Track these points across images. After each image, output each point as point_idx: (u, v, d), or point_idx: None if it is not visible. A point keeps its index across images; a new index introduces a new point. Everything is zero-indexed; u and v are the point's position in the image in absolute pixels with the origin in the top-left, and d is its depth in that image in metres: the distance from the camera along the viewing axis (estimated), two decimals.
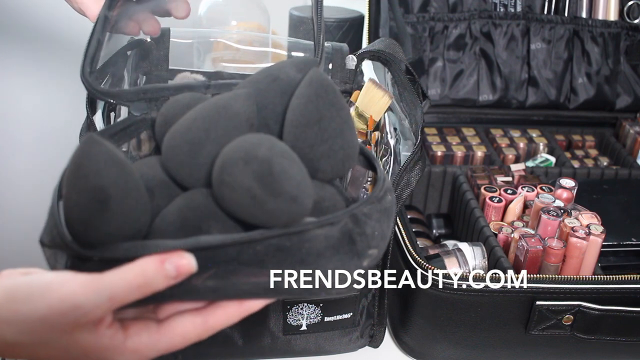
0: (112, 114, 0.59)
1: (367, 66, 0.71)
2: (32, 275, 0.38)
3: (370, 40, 0.95)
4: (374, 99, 0.64)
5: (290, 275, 0.40)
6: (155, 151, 0.52)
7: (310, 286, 0.40)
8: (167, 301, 0.40)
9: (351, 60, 0.68)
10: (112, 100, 0.53)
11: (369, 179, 0.58)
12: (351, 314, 0.63)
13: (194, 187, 0.43)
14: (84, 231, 0.38)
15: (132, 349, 0.39)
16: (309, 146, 0.43)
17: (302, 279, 0.40)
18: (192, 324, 0.40)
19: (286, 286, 0.39)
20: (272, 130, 0.46)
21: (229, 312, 0.41)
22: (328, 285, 0.40)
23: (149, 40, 0.67)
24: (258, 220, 0.39)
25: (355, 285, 0.41)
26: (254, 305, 0.41)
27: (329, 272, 0.40)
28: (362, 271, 0.41)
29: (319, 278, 0.40)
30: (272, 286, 0.39)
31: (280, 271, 0.39)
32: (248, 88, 0.46)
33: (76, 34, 1.17)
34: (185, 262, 0.38)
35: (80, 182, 0.37)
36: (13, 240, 0.41)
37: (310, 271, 0.39)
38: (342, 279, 0.40)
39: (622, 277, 0.61)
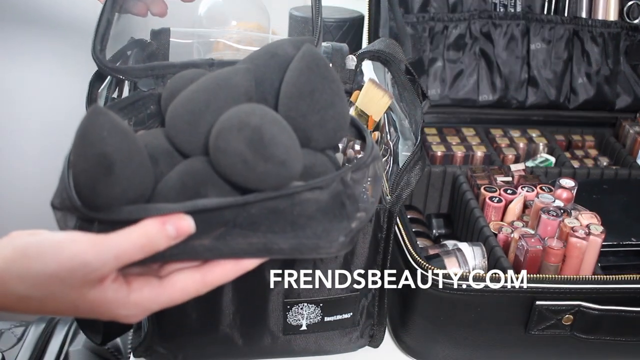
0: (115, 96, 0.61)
1: (367, 66, 0.71)
2: (42, 234, 0.40)
3: (370, 40, 0.95)
4: (374, 99, 0.64)
5: (282, 236, 0.42)
6: (161, 124, 0.54)
7: (301, 247, 0.42)
8: (167, 260, 0.43)
9: (351, 60, 0.68)
10: (121, 76, 0.56)
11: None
12: (351, 313, 0.63)
13: (194, 154, 0.46)
14: (90, 195, 0.40)
15: (135, 303, 0.42)
16: (301, 116, 0.45)
17: (293, 240, 0.42)
18: (192, 280, 0.43)
19: (278, 247, 0.42)
20: (269, 103, 0.48)
21: (226, 270, 0.43)
22: (316, 246, 0.42)
23: (149, 40, 0.67)
24: (250, 183, 0.41)
25: (342, 248, 0.43)
26: (249, 264, 0.44)
27: (319, 233, 0.42)
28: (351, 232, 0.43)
29: (309, 238, 0.42)
30: (264, 247, 0.42)
31: (272, 233, 0.42)
32: (247, 64, 0.49)
33: (81, 18, 1.17)
34: (184, 224, 0.40)
35: (86, 150, 0.40)
36: (20, 224, 0.43)
37: (301, 233, 0.42)
38: (331, 239, 0.42)
39: (621, 277, 0.61)
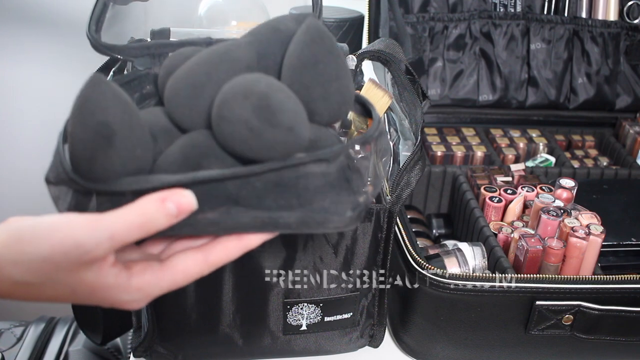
0: None
1: (367, 66, 0.71)
2: (37, 218, 0.39)
3: (370, 40, 0.95)
4: (374, 99, 0.64)
5: (288, 209, 0.40)
6: (157, 105, 0.53)
7: (308, 220, 0.41)
8: (167, 235, 0.41)
9: (351, 60, 0.68)
10: (117, 55, 0.55)
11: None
12: (351, 313, 0.63)
13: (195, 129, 0.44)
14: (88, 166, 0.39)
15: (137, 287, 0.40)
16: (305, 88, 0.44)
17: (299, 214, 0.40)
18: (193, 261, 0.41)
19: (284, 220, 0.40)
20: None
21: (228, 248, 0.42)
22: (324, 219, 0.41)
23: (149, 40, 0.67)
24: (256, 152, 0.40)
25: (350, 223, 0.41)
26: (253, 240, 0.42)
27: (326, 207, 0.40)
28: (359, 207, 0.41)
29: (316, 212, 0.40)
30: (270, 220, 0.40)
31: (277, 206, 0.40)
32: (249, 37, 0.48)
33: (81, 18, 1.16)
34: (185, 200, 0.38)
35: (86, 118, 0.38)
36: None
37: (307, 206, 0.40)
38: (339, 213, 0.41)
39: (621, 277, 0.61)
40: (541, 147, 0.95)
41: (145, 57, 0.54)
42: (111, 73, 0.58)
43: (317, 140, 0.44)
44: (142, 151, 0.40)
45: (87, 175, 0.39)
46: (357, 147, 0.56)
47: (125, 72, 0.58)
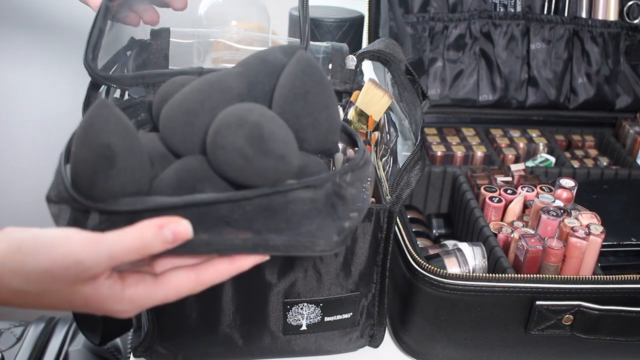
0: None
1: (367, 66, 0.71)
2: (37, 230, 0.40)
3: (370, 40, 0.95)
4: (374, 99, 0.64)
5: (277, 233, 0.42)
6: (152, 131, 0.55)
7: (295, 243, 0.43)
8: (161, 255, 0.43)
9: (351, 60, 0.68)
10: (112, 85, 0.57)
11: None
12: (351, 314, 0.63)
13: (189, 154, 0.46)
14: (88, 186, 0.40)
15: (130, 299, 0.42)
16: (295, 117, 0.46)
17: (287, 237, 0.42)
18: (186, 278, 0.43)
19: (272, 243, 0.42)
20: None
21: (220, 269, 0.44)
22: (310, 243, 0.43)
23: (148, 40, 0.67)
24: (248, 178, 0.42)
25: (336, 246, 0.43)
26: (245, 263, 0.44)
27: (312, 231, 0.43)
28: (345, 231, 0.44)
29: (303, 236, 0.43)
30: (259, 242, 0.42)
31: (266, 229, 0.42)
32: (239, 68, 0.50)
33: (78, 23, 1.17)
34: (182, 229, 0.40)
35: (90, 139, 0.40)
36: (17, 224, 0.44)
37: (295, 230, 0.43)
38: (325, 237, 0.43)
39: (621, 277, 0.61)
40: (541, 147, 0.95)
41: (139, 86, 0.57)
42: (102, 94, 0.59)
43: (306, 167, 0.46)
44: (141, 174, 0.42)
45: (87, 195, 0.41)
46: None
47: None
